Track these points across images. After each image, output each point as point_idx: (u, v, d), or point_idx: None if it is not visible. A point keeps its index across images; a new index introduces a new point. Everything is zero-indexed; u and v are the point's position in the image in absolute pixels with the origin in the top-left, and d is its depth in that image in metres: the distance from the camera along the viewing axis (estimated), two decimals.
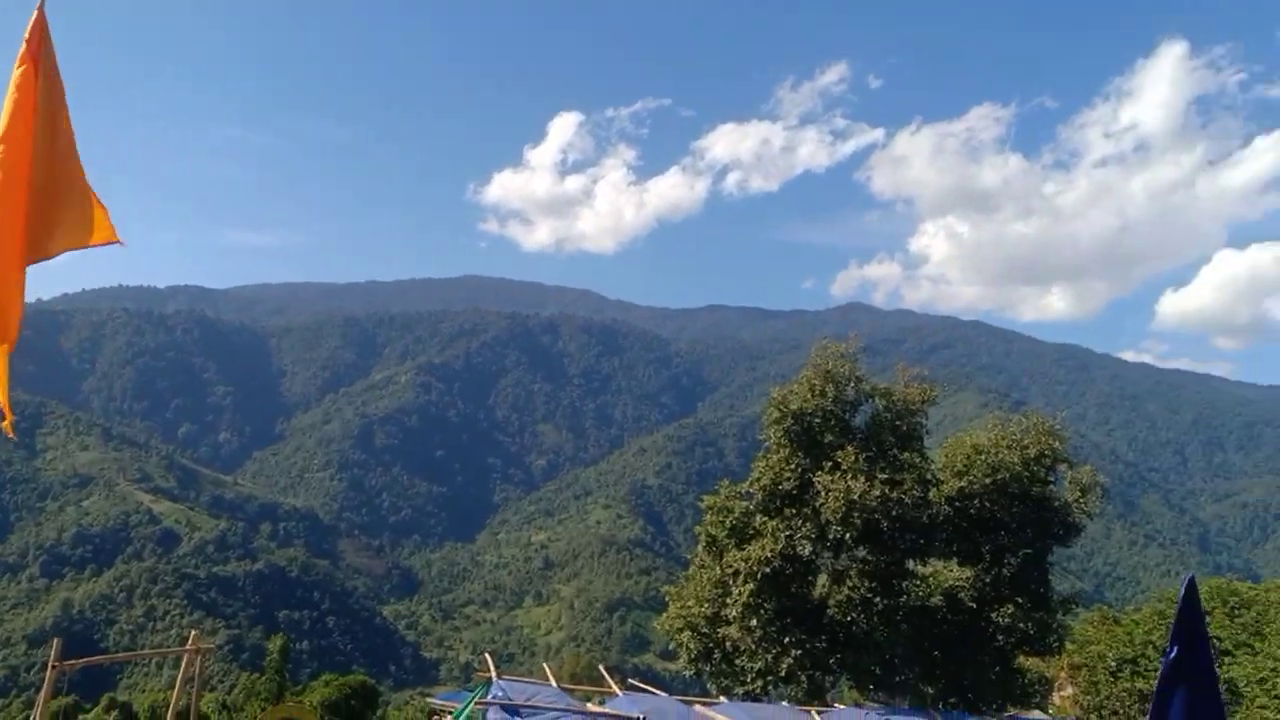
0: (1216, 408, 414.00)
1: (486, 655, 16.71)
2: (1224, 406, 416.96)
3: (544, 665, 17.68)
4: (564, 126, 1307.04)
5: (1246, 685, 34.29)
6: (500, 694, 12.77)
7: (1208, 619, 39.92)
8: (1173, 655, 4.63)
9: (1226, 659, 37.45)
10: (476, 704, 13.33)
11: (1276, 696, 32.45)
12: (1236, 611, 40.24)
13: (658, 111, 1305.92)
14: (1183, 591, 4.60)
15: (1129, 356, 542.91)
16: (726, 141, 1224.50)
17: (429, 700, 55.36)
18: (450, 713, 17.91)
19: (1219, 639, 38.90)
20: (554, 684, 15.45)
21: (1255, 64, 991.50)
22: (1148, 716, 4.70)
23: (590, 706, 14.61)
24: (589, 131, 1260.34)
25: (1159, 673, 4.52)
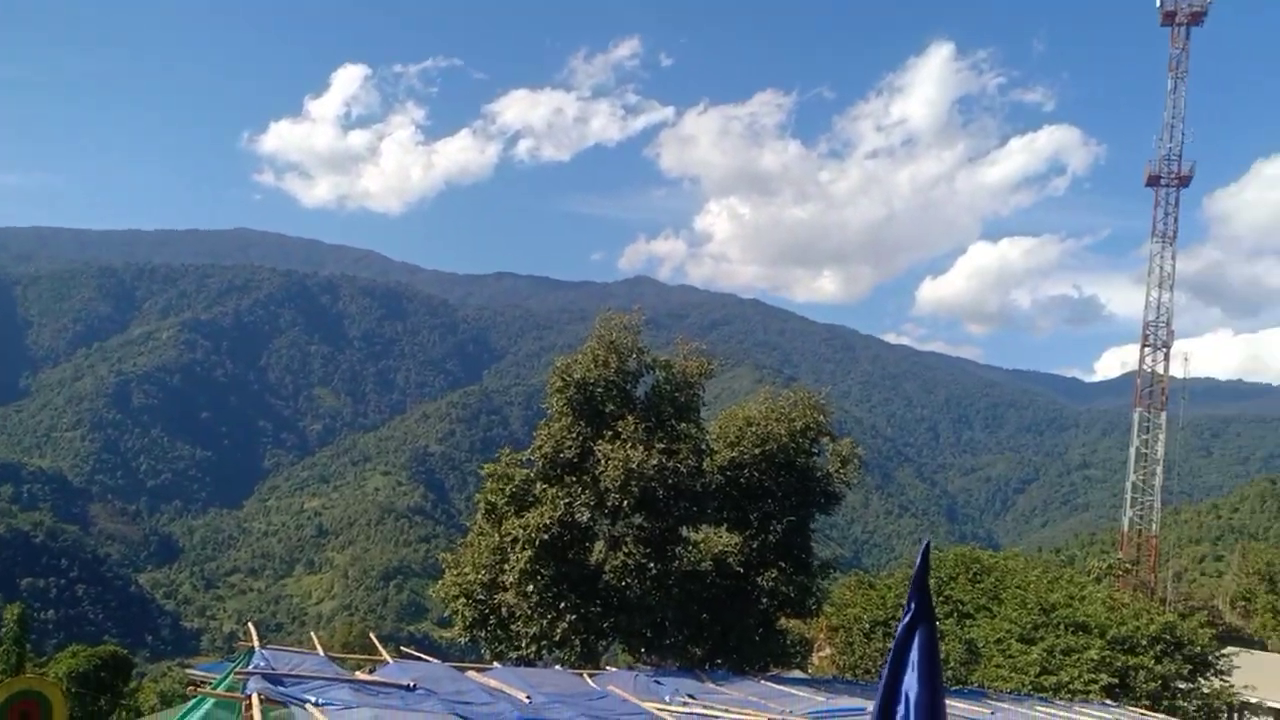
0: (966, 388, 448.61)
1: (250, 625, 16.11)
2: (973, 388, 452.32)
3: (311, 635, 17.20)
4: (348, 79, 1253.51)
5: (985, 645, 37.53)
6: (262, 664, 12.33)
7: (953, 584, 43.37)
8: (908, 619, 4.97)
9: (968, 621, 40.85)
10: (236, 674, 12.81)
11: (1010, 656, 35.66)
12: (978, 578, 43.86)
13: (448, 71, 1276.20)
14: (919, 556, 4.96)
15: (891, 338, 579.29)
16: (519, 108, 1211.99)
17: (188, 671, 52.76)
18: (210, 683, 17.18)
19: (962, 602, 42.33)
20: (321, 653, 15.09)
21: (1014, 69, 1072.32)
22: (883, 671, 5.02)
23: (359, 675, 14.35)
24: (375, 86, 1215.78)
25: (895, 632, 4.88)
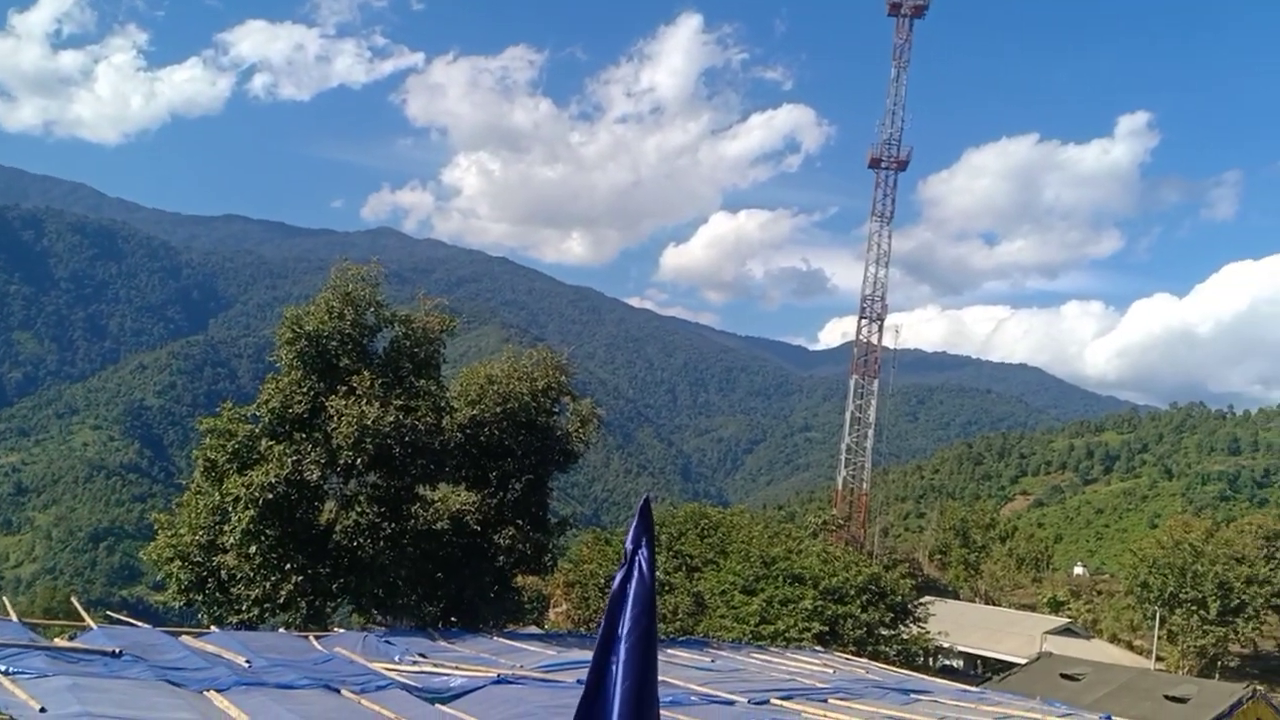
0: (703, 353, 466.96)
1: None
2: (709, 352, 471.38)
3: (3, 599, 15.57)
4: None
5: (711, 597, 39.37)
6: None
7: (683, 539, 45.17)
8: (624, 571, 4.94)
9: (696, 574, 42.70)
10: None
11: (733, 606, 37.58)
12: (706, 533, 45.87)
13: None
14: (638, 510, 4.93)
15: (635, 302, 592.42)
16: (256, 39, 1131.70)
17: None
18: None
19: (691, 556, 44.18)
20: (14, 618, 13.76)
21: (757, 46, 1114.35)
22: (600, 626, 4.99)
23: (58, 642, 13.16)
24: (91, 3, 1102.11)
25: (613, 586, 4.85)
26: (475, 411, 22.90)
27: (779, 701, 14.51)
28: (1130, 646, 59.14)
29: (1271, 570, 57.48)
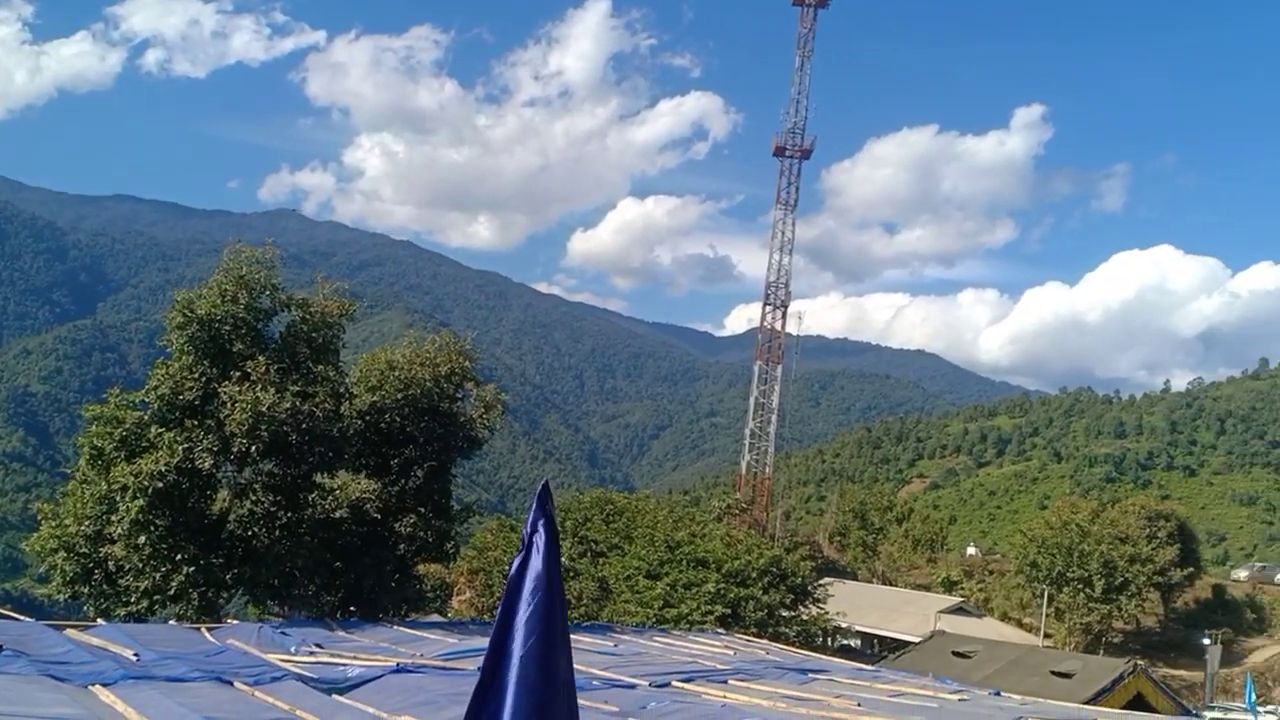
0: (611, 339, 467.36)
1: None
2: (617, 338, 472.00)
3: None
4: None
5: (616, 582, 39.52)
6: None
7: (589, 525, 45.25)
8: (523, 554, 4.91)
9: (601, 559, 42.82)
10: None
11: (638, 591, 37.78)
12: (612, 518, 46.02)
13: None
14: (536, 496, 4.90)
15: (542, 288, 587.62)
16: (148, 14, 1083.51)
17: None
18: None
19: (596, 542, 44.29)
20: None
21: (665, 32, 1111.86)
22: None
23: None
24: None
25: (510, 571, 4.81)
26: (376, 398, 22.54)
27: (680, 684, 14.67)
28: (1020, 624, 61.32)
29: (1153, 549, 60.13)
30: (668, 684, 14.51)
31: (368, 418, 22.47)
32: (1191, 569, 65.03)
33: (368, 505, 22.03)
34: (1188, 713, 27.35)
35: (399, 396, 22.64)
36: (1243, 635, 63.66)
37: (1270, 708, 35.58)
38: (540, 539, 4.90)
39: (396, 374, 22.81)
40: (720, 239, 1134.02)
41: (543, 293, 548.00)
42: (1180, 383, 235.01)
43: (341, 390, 22.18)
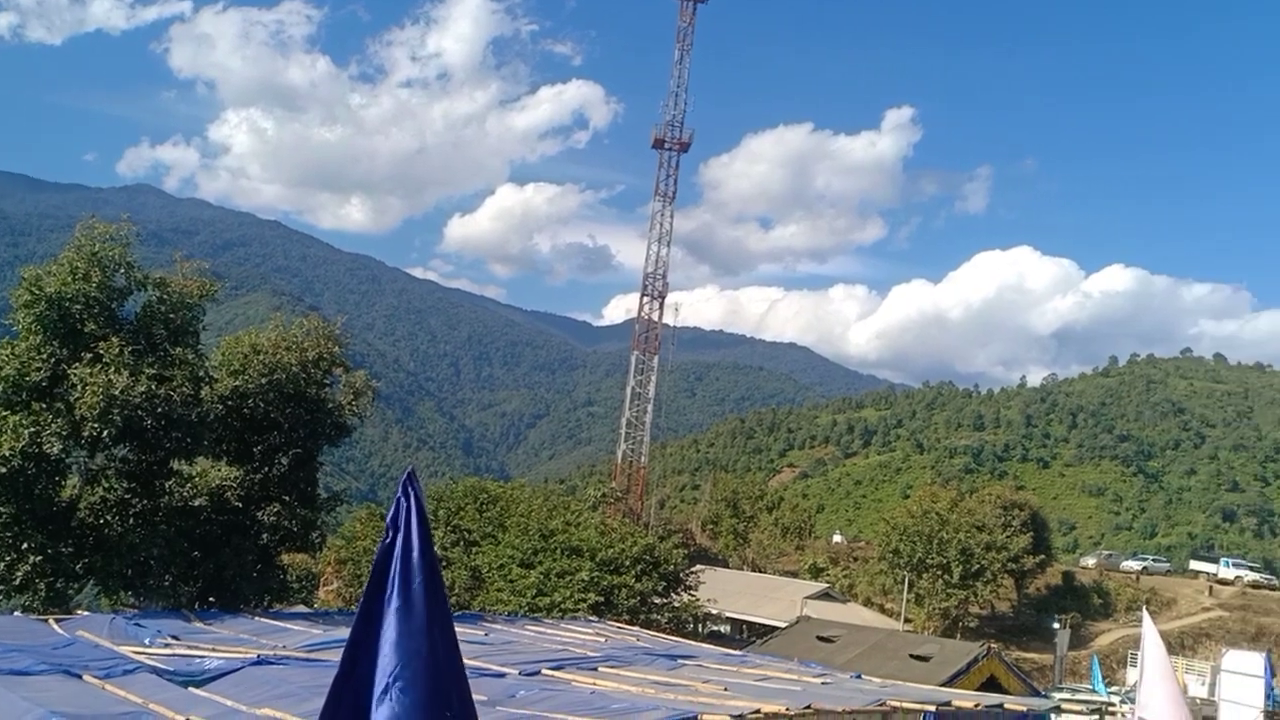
0: (488, 326, 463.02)
1: None
2: (494, 326, 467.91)
3: None
4: None
5: (489, 571, 39.21)
6: None
7: (462, 514, 44.75)
8: (387, 540, 4.84)
9: (474, 549, 42.42)
10: None
11: (510, 580, 37.56)
12: (485, 507, 45.61)
13: None
14: (401, 482, 4.84)
15: (418, 273, 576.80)
16: None
17: None
18: None
19: (469, 531, 43.83)
20: None
21: (546, 19, 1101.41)
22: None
23: None
24: None
25: (374, 559, 4.73)
26: (239, 382, 21.80)
27: (550, 672, 14.66)
28: (882, 609, 63.34)
29: (1008, 538, 62.85)
30: (537, 672, 14.49)
31: (229, 403, 21.71)
32: (1043, 556, 68.20)
33: (228, 493, 21.33)
34: (1037, 693, 28.69)
35: (263, 381, 21.94)
36: (1090, 620, 67.09)
37: (1115, 688, 37.69)
38: (406, 529, 4.80)
39: (261, 358, 22.10)
40: (600, 229, 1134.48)
41: (418, 278, 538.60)
42: (1035, 378, 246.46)
43: (201, 374, 21.36)
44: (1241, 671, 36.08)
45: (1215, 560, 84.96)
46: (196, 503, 20.88)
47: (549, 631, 21.41)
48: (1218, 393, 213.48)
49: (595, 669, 15.49)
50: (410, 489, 4.75)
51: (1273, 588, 78.18)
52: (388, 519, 4.75)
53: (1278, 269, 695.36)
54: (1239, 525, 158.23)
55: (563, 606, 34.10)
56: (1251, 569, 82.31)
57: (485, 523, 43.68)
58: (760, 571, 70.64)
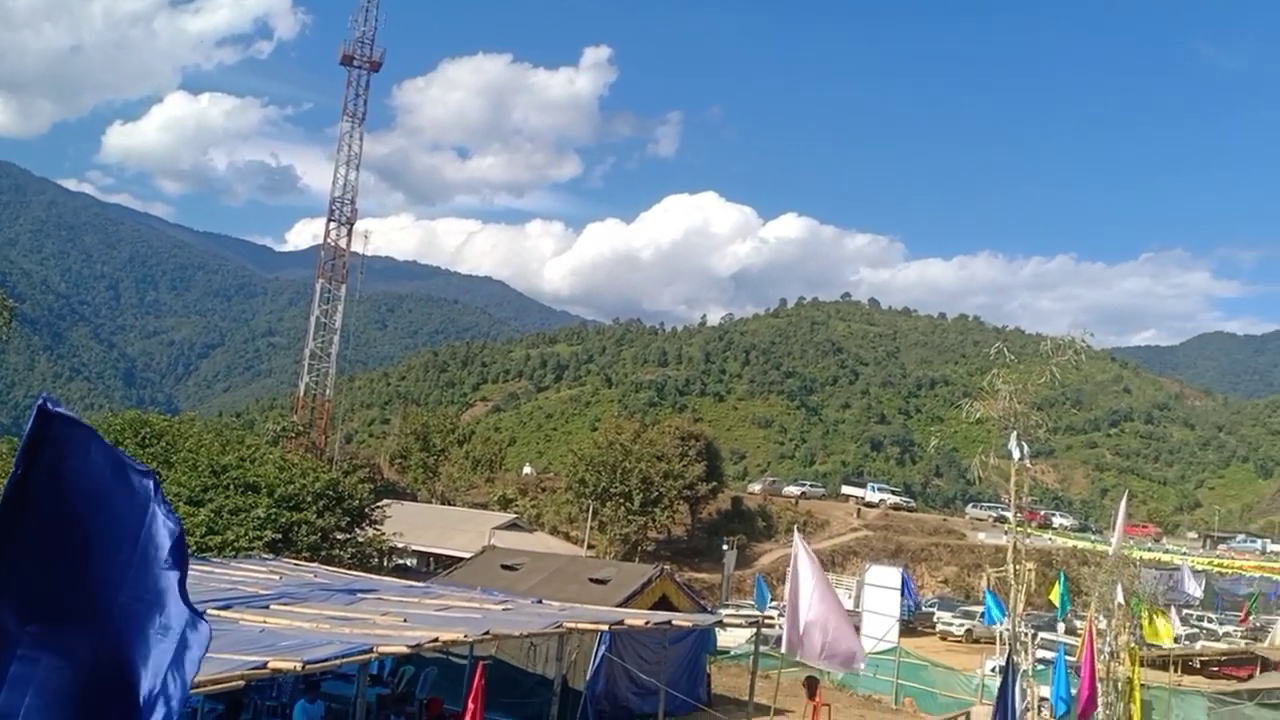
0: (154, 247, 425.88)
1: None
2: (161, 247, 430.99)
3: None
4: None
5: None
6: None
7: (120, 449, 41.34)
8: (17, 474, 4.32)
9: None
10: None
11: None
12: (148, 442, 42.33)
13: None
14: (32, 416, 4.30)
15: (71, 185, 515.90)
16: None
17: None
18: None
19: None
20: None
21: None
22: None
23: None
24: None
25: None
26: None
27: (216, 611, 13.88)
28: (567, 537, 65.32)
29: (684, 466, 66.63)
30: (202, 613, 13.66)
31: None
32: (715, 484, 72.87)
33: None
34: (705, 610, 30.75)
35: None
36: (755, 541, 72.58)
37: (775, 602, 40.98)
38: (36, 457, 4.26)
39: None
40: (284, 148, 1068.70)
41: (72, 190, 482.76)
42: (715, 318, 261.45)
43: None
44: (882, 585, 40.16)
45: (863, 485, 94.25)
46: None
47: (217, 571, 20.28)
48: (871, 334, 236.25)
49: (267, 607, 14.87)
50: (50, 418, 4.23)
51: (910, 509, 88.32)
52: (18, 452, 4.23)
53: (926, 225, 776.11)
54: (885, 454, 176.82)
55: (236, 545, 32.50)
56: (894, 493, 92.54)
57: (148, 459, 40.47)
58: (450, 504, 70.62)
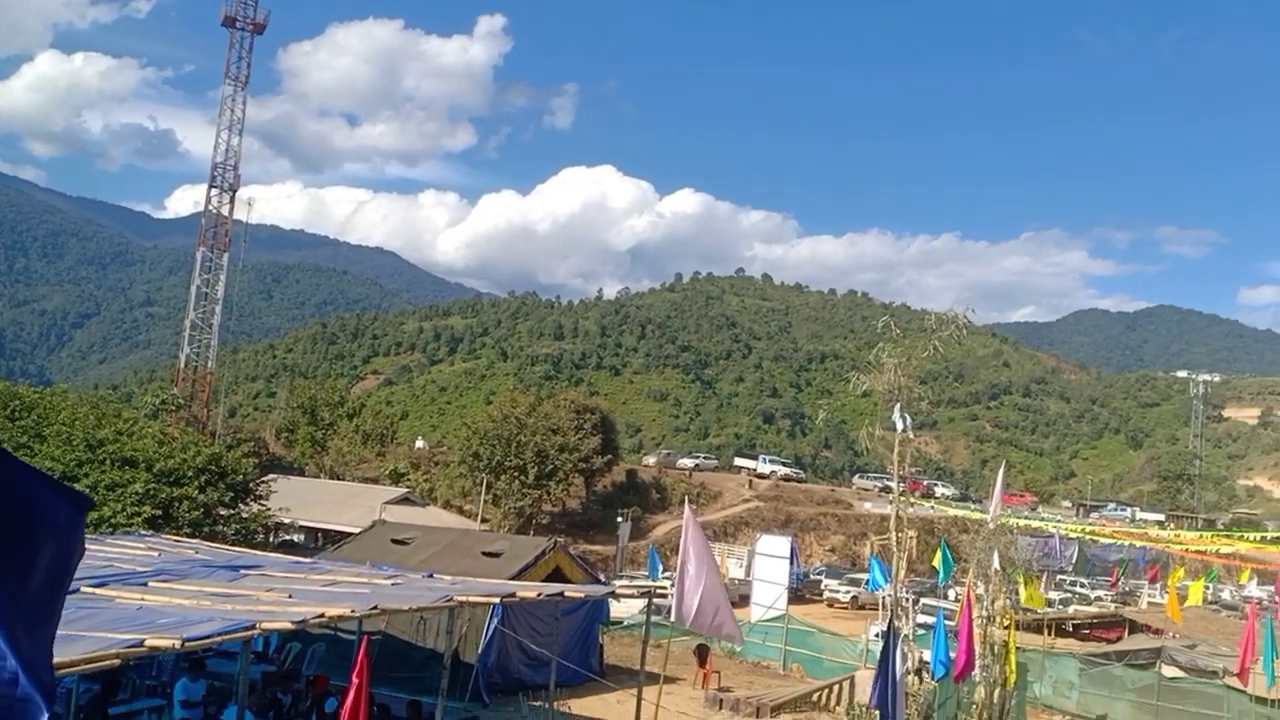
0: (23, 213, 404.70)
1: None
2: (30, 212, 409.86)
3: None
4: None
5: None
6: None
7: None
8: None
9: None
10: None
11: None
12: (18, 415, 40.49)
13: None
14: None
15: None
16: None
17: None
18: None
19: None
20: None
21: None
22: None
23: None
24: None
25: None
26: None
27: (91, 589, 13.38)
28: (461, 511, 64.85)
29: (580, 439, 66.66)
30: (76, 590, 13.15)
31: None
32: (611, 456, 73.18)
33: None
34: (598, 581, 30.89)
35: None
36: (649, 513, 73.18)
37: (668, 573, 41.40)
38: None
39: None
40: (163, 111, 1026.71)
41: None
42: (611, 291, 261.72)
43: None
44: (771, 554, 40.94)
45: (755, 457, 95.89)
46: None
47: (93, 548, 19.51)
48: (764, 309, 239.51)
49: (145, 584, 14.38)
50: None
51: (800, 480, 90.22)
52: None
53: (817, 203, 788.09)
54: (776, 426, 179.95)
55: (113, 522, 31.38)
56: (784, 464, 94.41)
57: (18, 432, 38.78)
58: (339, 479, 69.34)
